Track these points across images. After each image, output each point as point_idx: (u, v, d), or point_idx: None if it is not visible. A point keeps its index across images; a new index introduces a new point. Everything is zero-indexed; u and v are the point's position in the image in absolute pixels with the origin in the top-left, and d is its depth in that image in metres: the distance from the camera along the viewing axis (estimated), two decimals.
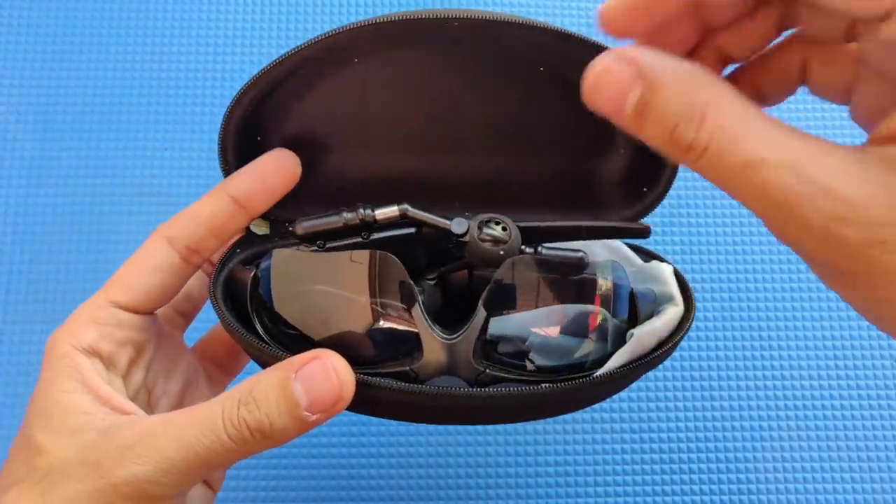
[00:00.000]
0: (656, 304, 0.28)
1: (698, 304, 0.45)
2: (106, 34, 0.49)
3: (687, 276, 0.29)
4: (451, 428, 0.42)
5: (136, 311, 0.27)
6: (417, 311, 0.26)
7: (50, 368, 0.25)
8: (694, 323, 0.45)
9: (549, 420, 0.42)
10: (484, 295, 0.26)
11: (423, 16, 0.24)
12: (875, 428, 0.43)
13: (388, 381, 0.25)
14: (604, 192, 0.32)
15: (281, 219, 0.31)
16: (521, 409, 0.28)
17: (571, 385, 0.25)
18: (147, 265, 0.27)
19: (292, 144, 0.30)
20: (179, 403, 0.30)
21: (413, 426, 0.42)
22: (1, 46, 0.48)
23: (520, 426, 0.42)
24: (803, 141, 0.17)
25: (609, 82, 0.18)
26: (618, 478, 0.42)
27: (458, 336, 0.26)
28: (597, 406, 0.43)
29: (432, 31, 0.26)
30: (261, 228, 0.31)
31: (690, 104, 0.18)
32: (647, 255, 0.31)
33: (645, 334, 0.26)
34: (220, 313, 0.26)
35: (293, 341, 0.27)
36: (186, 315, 0.32)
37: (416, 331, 0.26)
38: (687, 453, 0.42)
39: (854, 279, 0.18)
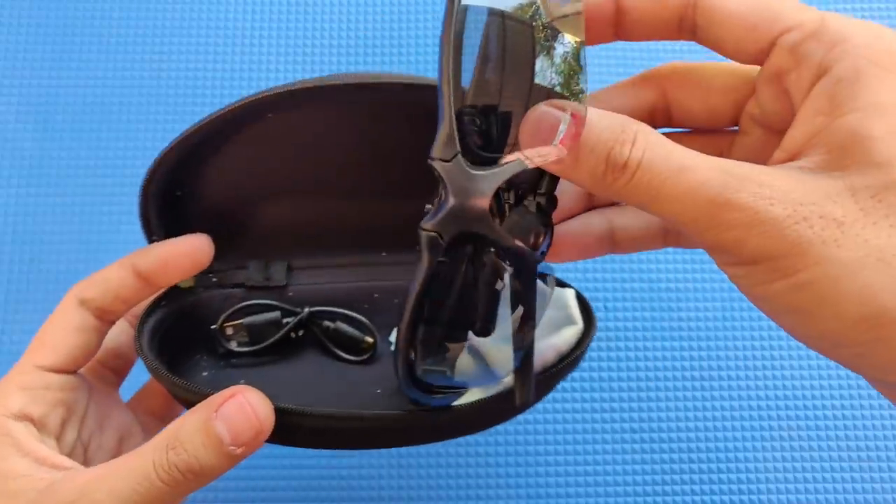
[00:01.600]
0: (552, 327, 0.30)
1: (699, 304, 0.45)
2: (106, 34, 0.49)
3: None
4: None
5: (61, 372, 0.29)
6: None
7: None
8: (694, 322, 0.45)
9: (549, 420, 0.42)
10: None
11: (318, 83, 0.28)
12: (875, 428, 0.43)
13: (308, 409, 0.26)
14: None
15: (206, 271, 0.33)
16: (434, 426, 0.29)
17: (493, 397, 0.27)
18: (66, 326, 0.29)
19: (207, 198, 0.33)
20: (116, 455, 0.31)
21: None
22: (1, 46, 0.48)
23: (510, 427, 0.42)
24: (731, 164, 0.20)
25: (542, 127, 0.20)
26: (618, 478, 0.42)
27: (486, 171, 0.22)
28: (596, 406, 0.43)
29: (325, 94, 0.28)
30: (186, 283, 0.33)
31: (622, 131, 0.20)
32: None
33: (545, 349, 0.28)
34: (146, 359, 0.28)
35: None
36: (118, 371, 0.33)
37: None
38: (687, 453, 0.42)
39: (777, 264, 0.19)
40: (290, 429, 0.27)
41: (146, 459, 0.24)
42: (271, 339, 0.33)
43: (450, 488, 0.41)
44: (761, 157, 0.22)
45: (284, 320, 0.34)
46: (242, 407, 0.25)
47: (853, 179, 0.18)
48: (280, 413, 0.26)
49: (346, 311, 0.34)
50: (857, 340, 0.19)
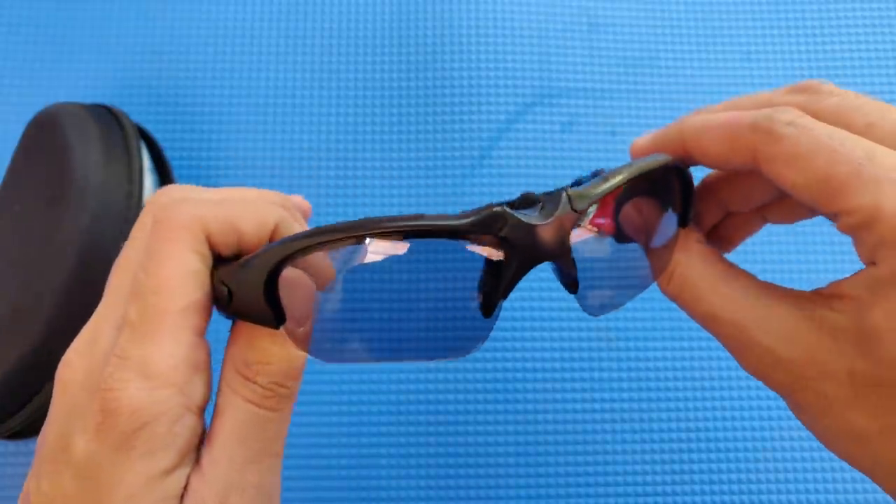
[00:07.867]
0: None
1: None
2: (106, 34, 0.49)
3: None
4: (450, 428, 0.42)
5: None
6: None
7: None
8: (693, 321, 0.45)
9: (550, 420, 0.42)
10: None
11: None
12: None
13: None
14: None
15: None
16: None
17: None
18: (183, 274, 0.21)
19: None
20: None
21: (412, 426, 0.42)
22: (1, 46, 0.49)
23: (510, 427, 0.42)
24: (753, 298, 0.22)
25: None
26: (618, 478, 0.42)
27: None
28: (596, 406, 0.43)
29: None
30: None
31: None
32: None
33: None
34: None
35: None
36: None
37: None
38: (687, 453, 0.42)
39: (803, 409, 0.22)
40: None
41: (240, 405, 0.20)
42: None
43: (449, 488, 0.41)
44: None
45: None
46: (291, 284, 0.20)
47: (857, 363, 0.20)
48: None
49: None
50: None
